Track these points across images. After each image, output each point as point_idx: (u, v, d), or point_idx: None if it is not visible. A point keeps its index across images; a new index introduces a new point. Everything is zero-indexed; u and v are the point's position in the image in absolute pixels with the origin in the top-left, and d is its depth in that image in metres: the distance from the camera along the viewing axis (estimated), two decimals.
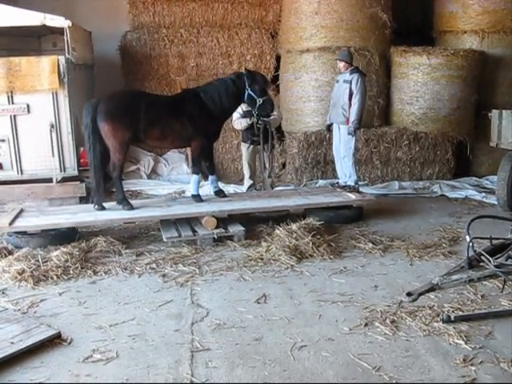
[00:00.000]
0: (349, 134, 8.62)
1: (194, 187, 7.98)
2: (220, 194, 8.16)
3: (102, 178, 7.48)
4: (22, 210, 7.53)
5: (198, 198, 7.92)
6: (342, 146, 8.80)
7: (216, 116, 7.78)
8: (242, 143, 8.91)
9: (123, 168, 7.78)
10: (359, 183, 9.07)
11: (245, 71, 7.95)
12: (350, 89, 8.54)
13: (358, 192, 8.50)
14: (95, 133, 7.25)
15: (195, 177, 7.94)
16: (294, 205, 7.92)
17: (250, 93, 7.75)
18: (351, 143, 8.69)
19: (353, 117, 8.53)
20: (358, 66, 9.07)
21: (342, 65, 8.73)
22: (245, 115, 8.45)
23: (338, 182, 9.05)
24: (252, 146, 8.71)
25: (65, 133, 8.75)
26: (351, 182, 8.77)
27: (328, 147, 10.13)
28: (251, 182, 8.87)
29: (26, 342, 4.45)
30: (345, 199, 8.16)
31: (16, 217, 7.16)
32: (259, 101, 7.80)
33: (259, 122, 8.35)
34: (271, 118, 8.52)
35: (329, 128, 9.19)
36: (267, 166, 8.79)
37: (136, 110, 7.26)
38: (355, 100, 8.50)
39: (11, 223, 6.90)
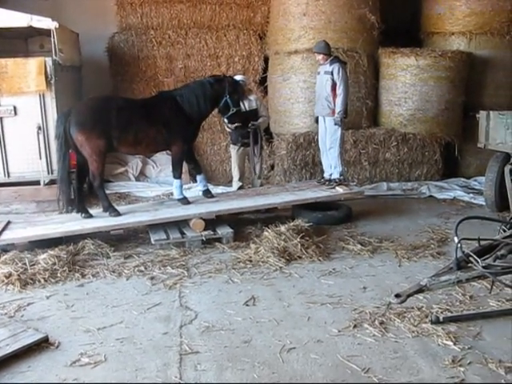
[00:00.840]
0: (335, 124, 8.48)
1: (178, 191, 7.97)
2: (207, 194, 8.15)
3: (68, 188, 7.50)
4: (8, 222, 7.43)
5: (184, 200, 7.89)
6: (328, 138, 8.68)
7: (193, 119, 7.76)
8: (231, 145, 8.88)
9: (103, 176, 7.68)
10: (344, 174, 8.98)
11: (228, 78, 8.01)
12: (332, 80, 8.43)
13: (345, 185, 8.49)
14: (67, 143, 7.24)
15: (177, 181, 7.93)
16: (282, 202, 7.89)
17: (228, 100, 7.83)
18: (337, 134, 8.55)
19: (338, 107, 8.42)
20: (337, 56, 8.94)
21: (320, 57, 8.58)
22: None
23: (323, 177, 8.98)
24: (241, 148, 8.68)
25: (52, 135, 8.68)
26: (336, 174, 8.63)
27: (316, 148, 10.12)
28: (240, 183, 8.85)
29: (12, 346, 4.42)
30: (333, 193, 8.14)
31: (3, 229, 7.07)
32: (232, 110, 7.92)
33: (250, 126, 8.38)
34: (260, 120, 8.55)
35: (317, 121, 9.10)
36: (257, 168, 8.77)
37: (107, 117, 7.20)
38: (339, 91, 8.36)
39: None
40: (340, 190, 8.22)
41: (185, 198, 7.93)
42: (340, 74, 8.37)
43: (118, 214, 7.44)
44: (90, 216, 7.44)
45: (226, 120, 8.34)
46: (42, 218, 7.99)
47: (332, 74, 8.42)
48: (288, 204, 7.96)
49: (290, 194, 8.21)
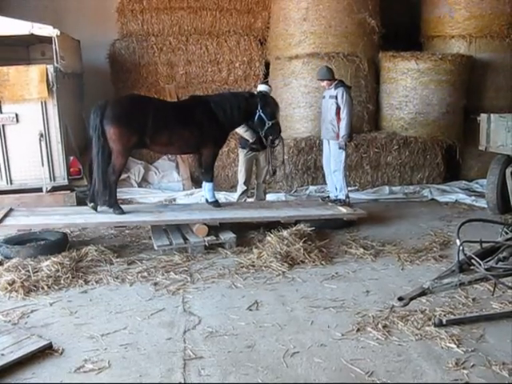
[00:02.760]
0: (340, 148, 8.61)
1: (210, 194, 8.04)
2: (214, 203, 8.12)
3: (106, 181, 7.44)
4: (11, 209, 7.44)
5: (216, 203, 7.99)
6: (333, 160, 8.79)
7: (224, 127, 7.84)
8: (240, 149, 8.82)
9: (121, 173, 7.74)
10: (350, 197, 9.02)
11: (259, 93, 8.10)
12: (337, 104, 8.52)
13: (349, 206, 8.52)
14: (104, 135, 7.21)
15: (209, 184, 8.01)
16: (285, 216, 7.89)
17: (261, 114, 7.85)
18: (342, 157, 8.67)
19: (342, 131, 8.52)
20: (341, 80, 8.97)
21: (324, 83, 8.72)
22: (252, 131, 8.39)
23: (328, 196, 9.04)
24: (250, 152, 8.67)
25: (54, 142, 8.74)
26: (342, 196, 8.76)
27: (318, 153, 10.15)
28: (245, 187, 8.83)
29: (16, 353, 4.41)
30: (336, 212, 8.16)
31: (5, 216, 7.06)
32: (268, 123, 7.91)
33: (275, 141, 8.33)
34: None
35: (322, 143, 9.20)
36: (269, 171, 8.79)
37: (144, 115, 7.24)
38: (343, 115, 8.47)
39: (0, 221, 6.82)
40: (343, 209, 8.23)
41: (216, 201, 8.04)
42: (344, 98, 8.47)
43: (122, 212, 7.49)
44: (123, 212, 7.48)
45: (265, 136, 8.10)
46: (45, 208, 8.01)
47: (336, 98, 8.51)
48: (291, 219, 7.91)
49: (294, 209, 8.20)
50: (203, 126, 7.62)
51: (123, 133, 7.18)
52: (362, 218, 8.42)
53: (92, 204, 7.50)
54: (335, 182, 8.89)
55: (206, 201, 8.17)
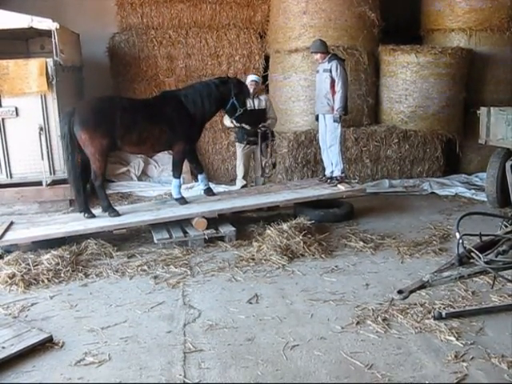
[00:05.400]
0: (334, 121, 8.46)
1: (176, 191, 7.97)
2: (209, 192, 8.18)
3: (81, 187, 7.42)
4: (11, 223, 7.43)
5: (182, 200, 7.90)
6: (328, 135, 8.68)
7: (197, 120, 7.78)
8: (237, 143, 8.83)
9: (105, 175, 7.71)
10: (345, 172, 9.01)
11: (233, 80, 8.06)
12: (331, 77, 8.41)
13: (347, 182, 8.50)
14: (73, 142, 7.19)
15: (176, 180, 7.94)
16: (284, 200, 7.90)
17: (235, 102, 7.88)
18: (337, 131, 8.53)
19: (337, 104, 8.41)
20: (335, 53, 8.92)
21: (318, 56, 8.59)
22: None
23: (324, 175, 8.99)
24: (247, 147, 8.66)
25: (54, 135, 8.72)
26: (338, 172, 8.62)
27: (318, 146, 10.13)
28: (244, 182, 8.84)
29: (17, 346, 4.44)
30: (334, 191, 8.16)
31: (6, 230, 7.07)
32: (239, 110, 7.96)
33: (260, 128, 8.43)
34: (268, 121, 8.58)
35: (317, 119, 9.10)
36: (266, 166, 8.78)
37: (111, 117, 7.18)
38: (338, 87, 8.35)
39: (1, 237, 6.82)
40: (342, 187, 8.24)
41: (182, 197, 7.94)
42: (338, 70, 8.36)
43: (118, 214, 7.45)
44: (93, 216, 7.44)
45: (234, 120, 8.28)
46: (44, 218, 8.00)
47: (331, 71, 8.40)
48: (290, 202, 7.98)
49: (292, 192, 8.23)
50: (173, 121, 7.55)
51: (93, 136, 7.11)
52: (361, 211, 8.45)
53: (86, 215, 7.45)
54: (331, 157, 8.76)
55: (204, 192, 8.23)
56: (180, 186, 8.04)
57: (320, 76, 8.66)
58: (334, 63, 8.39)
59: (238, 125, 8.39)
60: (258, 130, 8.43)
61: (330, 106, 8.53)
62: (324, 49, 8.52)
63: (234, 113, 8.02)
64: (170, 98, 7.81)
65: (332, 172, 8.72)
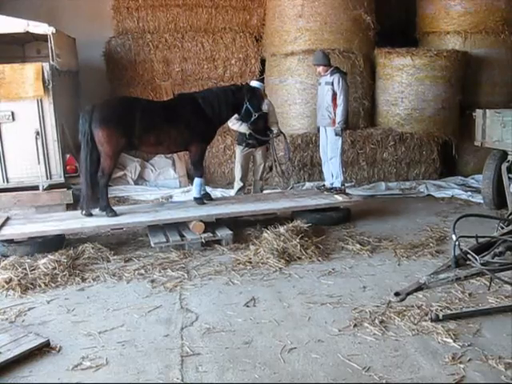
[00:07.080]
0: (336, 134, 8.59)
1: (197, 190, 8.06)
2: (206, 197, 8.18)
3: (96, 185, 7.44)
4: (8, 218, 7.47)
5: (199, 200, 7.98)
6: (329, 148, 8.78)
7: (213, 122, 7.86)
8: (237, 145, 8.83)
9: (112, 175, 7.75)
10: (346, 184, 9.08)
11: (246, 86, 8.15)
12: (333, 90, 8.50)
13: (345, 194, 8.53)
14: (93, 140, 7.21)
15: (198, 179, 8.02)
16: (282, 208, 7.95)
17: (248, 107, 7.94)
18: (338, 144, 8.65)
19: (339, 117, 8.51)
20: (337, 66, 8.99)
21: (320, 69, 8.68)
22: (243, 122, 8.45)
23: (324, 185, 9.04)
24: (246, 149, 8.67)
25: (50, 140, 8.69)
26: (338, 184, 8.75)
27: (314, 149, 10.16)
28: (241, 184, 8.84)
29: (14, 351, 4.42)
30: (332, 201, 8.20)
31: (2, 225, 7.10)
32: (254, 115, 8.01)
33: (274, 132, 8.55)
34: (275, 130, 8.64)
35: (318, 130, 9.17)
36: (284, 170, 8.86)
37: (131, 117, 7.23)
38: (340, 101, 8.46)
39: None
40: (339, 198, 8.25)
41: (201, 198, 8.02)
42: (340, 84, 8.44)
43: (115, 214, 7.46)
44: (91, 215, 7.46)
45: (249, 125, 8.30)
46: (41, 215, 7.99)
47: (332, 84, 8.49)
48: (287, 210, 8.00)
49: (290, 200, 8.24)
50: (191, 123, 7.62)
51: (112, 135, 7.16)
52: (358, 213, 8.46)
53: (85, 212, 7.47)
54: (331, 169, 8.85)
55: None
56: (201, 185, 8.12)
57: (322, 89, 8.74)
58: (336, 76, 8.47)
59: (253, 133, 8.39)
60: (271, 135, 8.54)
61: (331, 118, 8.62)
62: (327, 62, 8.60)
63: (249, 118, 8.08)
64: (187, 100, 7.89)
65: (332, 183, 8.81)
